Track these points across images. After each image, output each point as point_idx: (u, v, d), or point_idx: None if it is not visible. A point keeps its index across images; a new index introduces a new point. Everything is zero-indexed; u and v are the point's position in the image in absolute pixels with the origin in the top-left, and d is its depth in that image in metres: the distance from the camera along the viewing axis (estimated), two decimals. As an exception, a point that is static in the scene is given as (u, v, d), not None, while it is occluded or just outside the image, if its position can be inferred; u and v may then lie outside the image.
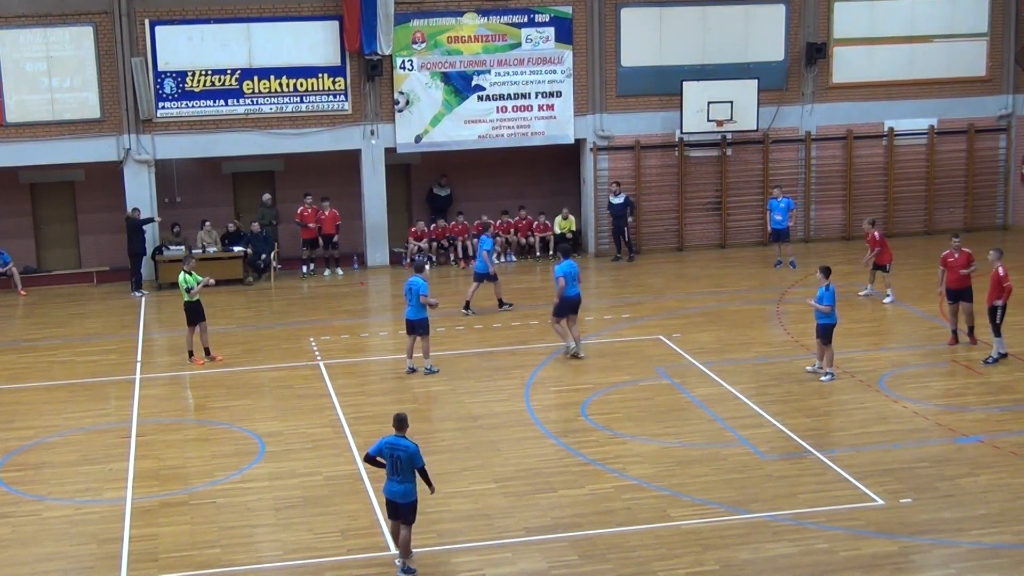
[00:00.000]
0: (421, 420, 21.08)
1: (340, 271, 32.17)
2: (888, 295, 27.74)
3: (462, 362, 24.16)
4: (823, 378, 22.32)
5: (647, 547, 15.89)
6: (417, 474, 15.34)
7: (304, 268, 32.05)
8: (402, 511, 15.33)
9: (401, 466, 15.20)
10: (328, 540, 16.35)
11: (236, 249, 31.16)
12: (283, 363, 24.36)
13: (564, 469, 18.61)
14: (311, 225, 31.85)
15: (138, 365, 24.46)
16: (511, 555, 15.76)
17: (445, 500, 17.43)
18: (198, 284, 24.15)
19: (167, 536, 16.53)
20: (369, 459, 15.55)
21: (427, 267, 24.19)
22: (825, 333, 22.46)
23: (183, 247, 30.86)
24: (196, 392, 23.07)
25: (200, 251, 30.94)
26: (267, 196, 32.35)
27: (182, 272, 24.30)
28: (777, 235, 31.69)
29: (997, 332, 23.15)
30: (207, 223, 31.41)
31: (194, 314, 24.31)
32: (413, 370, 23.41)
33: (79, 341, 26.35)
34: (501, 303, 28.00)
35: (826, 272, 22.51)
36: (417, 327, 23.26)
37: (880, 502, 17.11)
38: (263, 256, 31.32)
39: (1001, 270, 23.08)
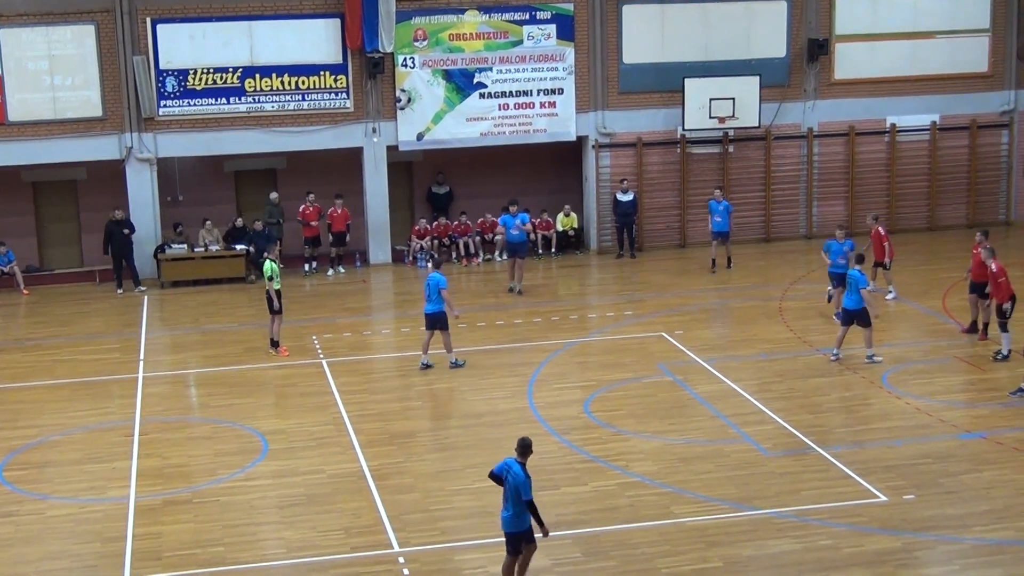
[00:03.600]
0: (424, 418, 21.12)
1: (342, 269, 32.17)
2: (890, 291, 27.74)
3: (465, 358, 24.16)
4: (876, 359, 22.98)
5: (651, 544, 15.92)
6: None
7: (306, 266, 32.04)
8: (518, 539, 14.49)
9: (510, 493, 14.40)
10: (331, 538, 16.37)
11: (238, 247, 31.15)
12: (286, 361, 24.36)
13: (567, 466, 18.63)
14: (313, 223, 31.85)
15: (141, 363, 24.48)
16: (515, 552, 15.78)
17: (448, 497, 17.46)
18: (276, 274, 24.51)
19: (171, 534, 16.56)
20: (492, 476, 14.76)
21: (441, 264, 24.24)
22: (861, 317, 23.14)
23: (184, 245, 30.88)
24: (200, 390, 23.11)
25: (202, 249, 30.94)
26: (274, 195, 32.34)
27: (268, 260, 24.73)
28: (718, 236, 31.39)
29: (1004, 328, 23.16)
30: (208, 221, 31.42)
31: (273, 303, 24.52)
32: (428, 366, 23.44)
33: (82, 340, 26.38)
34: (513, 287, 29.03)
35: (859, 259, 23.41)
36: (436, 321, 23.34)
37: (883, 498, 17.13)
38: (265, 254, 31.23)
39: (994, 267, 23.06)
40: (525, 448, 14.60)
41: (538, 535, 14.62)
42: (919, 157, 35.12)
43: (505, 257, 30.86)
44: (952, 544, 15.86)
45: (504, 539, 14.71)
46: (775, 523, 16.50)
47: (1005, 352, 23.09)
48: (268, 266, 24.61)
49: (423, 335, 23.77)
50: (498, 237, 32.55)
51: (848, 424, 20.25)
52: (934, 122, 34.86)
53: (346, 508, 17.28)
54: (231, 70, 31.27)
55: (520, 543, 14.56)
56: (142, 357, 24.94)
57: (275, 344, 24.76)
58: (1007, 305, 22.99)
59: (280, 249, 31.83)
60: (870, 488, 17.48)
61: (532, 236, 32.01)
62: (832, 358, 23.30)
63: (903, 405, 20.99)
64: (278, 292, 24.62)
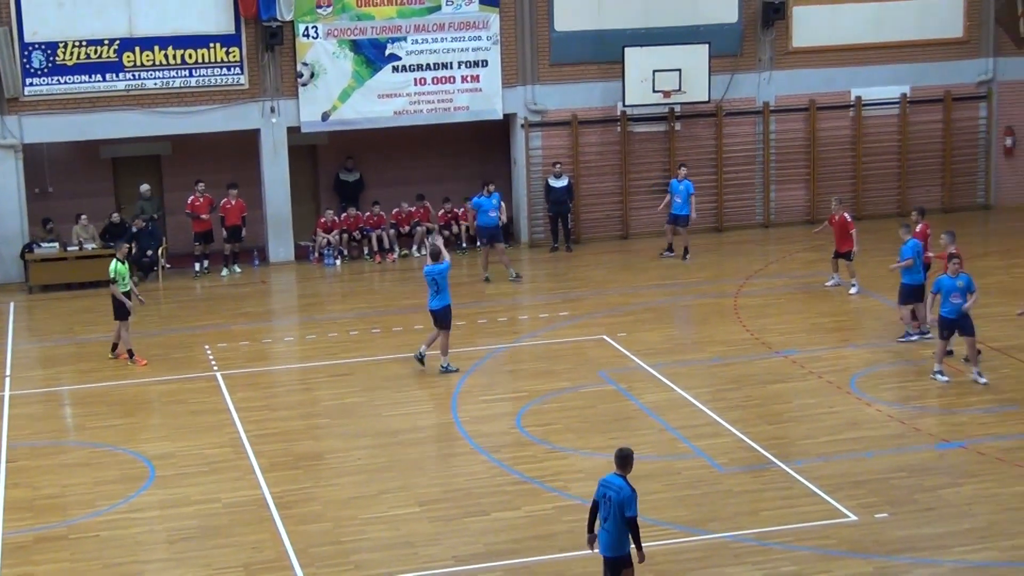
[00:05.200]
0: (333, 437, 21.04)
1: (238, 268, 31.99)
2: (853, 285, 28.00)
3: (379, 369, 24.12)
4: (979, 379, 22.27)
5: (593, 575, 15.94)
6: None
7: (197, 266, 31.83)
8: (619, 564, 14.37)
9: (611, 511, 14.24)
10: (229, 576, 16.31)
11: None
12: (174, 375, 24.18)
13: (497, 489, 18.62)
14: (203, 217, 31.64)
15: (7, 380, 24.21)
16: (439, 588, 15.79)
17: (362, 527, 17.41)
18: (126, 275, 24.84)
19: (44, 575, 16.41)
20: (595, 505, 14.48)
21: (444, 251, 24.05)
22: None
23: (55, 244, 30.56)
24: (75, 410, 22.88)
25: (76, 248, 30.64)
26: (145, 187, 32.07)
27: (115, 260, 24.89)
28: (675, 220, 31.76)
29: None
30: (83, 216, 31.10)
31: (122, 306, 24.69)
32: (420, 358, 23.66)
33: (-63, 354, 26.05)
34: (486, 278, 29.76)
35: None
36: (441, 318, 23.40)
37: (853, 518, 17.27)
38: (149, 253, 31.07)
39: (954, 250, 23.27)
40: (626, 459, 14.54)
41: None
42: (888, 134, 35.51)
43: (480, 244, 30.96)
44: (930, 567, 16.03)
45: (607, 567, 14.48)
46: (732, 548, 16.58)
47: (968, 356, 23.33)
48: (113, 266, 24.81)
49: (343, 340, 23.65)
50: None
51: (813, 435, 20.41)
52: (904, 94, 35.26)
53: (245, 541, 17.17)
54: (107, 43, 30.98)
55: (619, 568, 14.50)
56: (8, 373, 24.67)
57: (130, 353, 24.91)
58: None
59: (166, 247, 31.68)
60: (838, 507, 17.62)
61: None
62: (944, 379, 22.53)
63: (874, 412, 21.19)
64: (126, 295, 24.77)
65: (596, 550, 14.65)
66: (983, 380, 22.11)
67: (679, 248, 31.72)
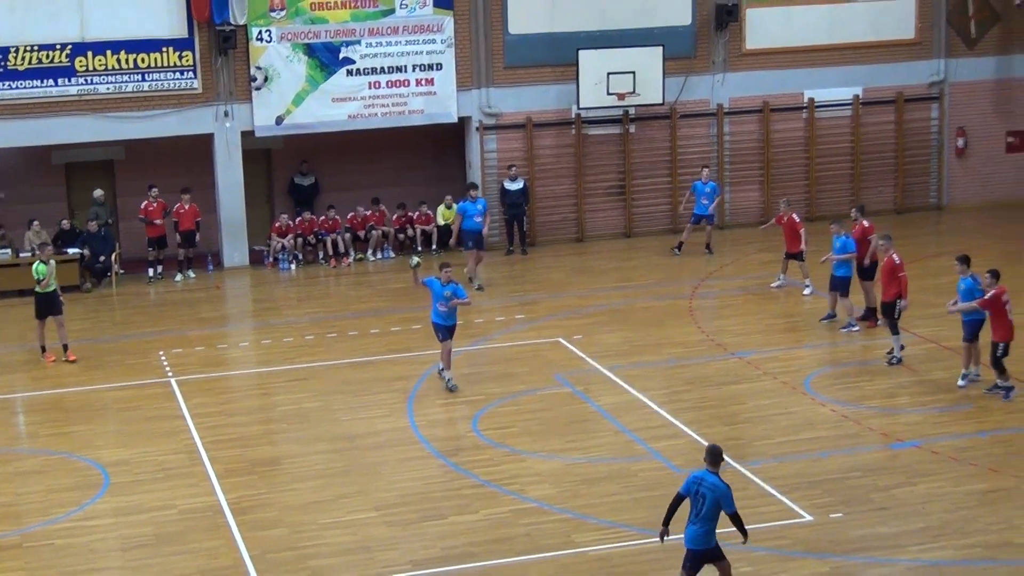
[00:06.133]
0: (289, 442, 21.00)
1: (192, 274, 31.86)
2: (807, 286, 28.13)
3: (336, 373, 24.08)
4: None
5: (549, 577, 16.00)
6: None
7: (151, 271, 31.69)
8: (703, 558, 14.69)
9: (703, 507, 14.48)
10: (185, 583, 16.25)
11: (71, 251, 30.71)
12: (129, 381, 24.08)
13: (454, 492, 18.63)
14: (157, 222, 31.50)
15: (-41, 388, 24.09)
16: (396, 592, 15.80)
17: (319, 532, 17.39)
18: (48, 276, 25.04)
19: (-3, 585, 16.33)
20: (679, 499, 14.78)
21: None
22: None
23: (8, 250, 30.36)
24: (28, 417, 22.76)
25: (29, 254, 30.43)
26: (99, 192, 31.89)
27: (37, 261, 25.37)
28: (698, 220, 32.21)
29: (895, 330, 23.56)
30: (35, 222, 30.88)
31: (44, 306, 25.10)
32: (441, 372, 23.17)
33: None
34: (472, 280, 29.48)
35: (965, 261, 22.20)
36: (450, 332, 22.88)
37: (808, 518, 17.37)
38: (102, 258, 30.92)
39: (896, 258, 23.37)
40: (717, 455, 14.73)
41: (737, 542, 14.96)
42: (841, 135, 35.70)
43: (465, 248, 29.94)
44: (885, 566, 16.13)
45: (692, 558, 14.66)
46: (689, 549, 16.65)
47: (897, 357, 23.47)
48: (36, 267, 25.20)
49: (299, 344, 23.60)
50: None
51: (768, 435, 20.51)
52: (857, 96, 35.45)
53: (201, 548, 17.12)
54: (59, 47, 30.80)
55: (703, 562, 14.72)
56: (-40, 380, 24.54)
57: (43, 349, 25.47)
58: (904, 302, 23.26)
59: (119, 252, 31.52)
60: (793, 507, 17.72)
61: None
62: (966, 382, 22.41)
63: (828, 413, 21.31)
64: (48, 295, 25.12)
65: (665, 540, 14.92)
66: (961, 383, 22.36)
67: (695, 244, 32.15)
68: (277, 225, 32.73)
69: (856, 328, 25.40)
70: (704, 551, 14.67)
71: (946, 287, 25.46)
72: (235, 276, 32.07)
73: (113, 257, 31.13)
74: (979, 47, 35.95)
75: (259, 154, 33.65)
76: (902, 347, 23.54)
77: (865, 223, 26.12)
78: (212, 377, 24.49)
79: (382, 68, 32.66)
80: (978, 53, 35.97)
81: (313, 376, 23.89)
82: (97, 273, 31.04)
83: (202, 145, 32.34)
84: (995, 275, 21.23)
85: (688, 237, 32.26)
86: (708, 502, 14.46)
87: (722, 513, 14.48)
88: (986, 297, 21.14)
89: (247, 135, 32.31)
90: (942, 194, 36.52)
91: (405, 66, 32.79)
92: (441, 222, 33.42)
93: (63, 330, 25.38)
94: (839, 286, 25.69)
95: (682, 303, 28.01)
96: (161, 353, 25.67)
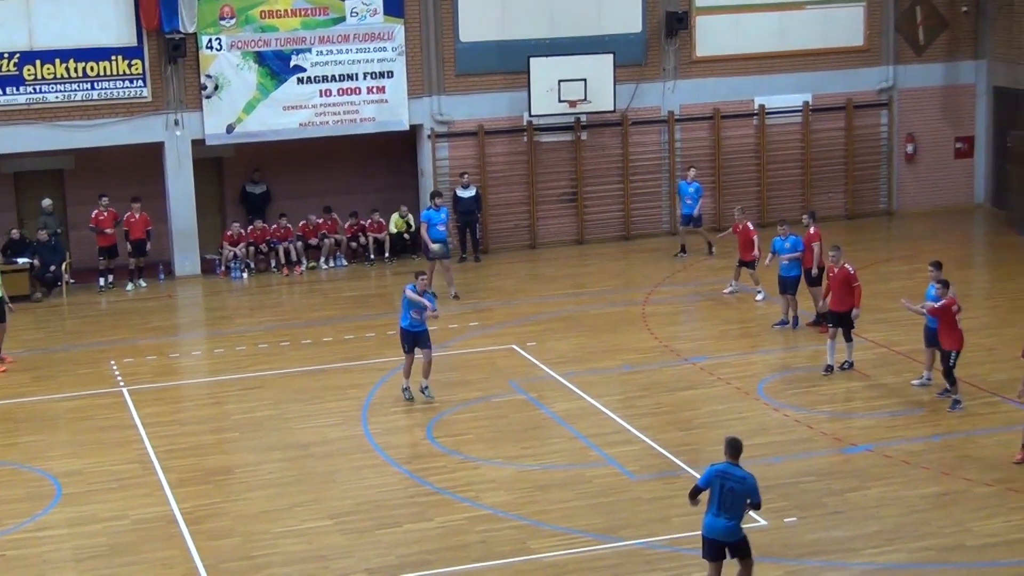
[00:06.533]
0: (243, 451, 20.92)
1: (143, 283, 31.69)
2: (759, 292, 28.26)
3: (289, 382, 24.01)
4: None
5: (505, 584, 16.00)
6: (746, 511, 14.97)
7: (101, 280, 31.51)
8: (732, 549, 14.86)
9: (733, 500, 14.69)
10: (139, 593, 16.17)
11: (21, 261, 30.50)
12: (80, 391, 23.94)
13: (409, 500, 18.62)
14: (108, 231, 31.33)
15: (-93, 399, 23.87)
16: (352, 601, 15.75)
17: (274, 541, 17.33)
18: None
19: (-52, 598, 16.19)
20: (696, 492, 15.04)
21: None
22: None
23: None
24: (-22, 428, 22.61)
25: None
26: (47, 201, 31.69)
27: None
28: (688, 221, 32.53)
29: (849, 337, 23.63)
30: (-16, 232, 30.75)
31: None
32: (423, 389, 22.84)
33: None
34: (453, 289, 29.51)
35: (938, 267, 22.18)
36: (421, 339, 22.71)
37: (762, 522, 17.42)
38: (52, 268, 30.73)
39: (850, 268, 23.42)
40: (738, 448, 14.99)
41: None
42: (791, 142, 35.87)
43: (428, 259, 29.58)
44: (839, 570, 16.22)
45: (715, 548, 14.79)
46: (644, 555, 16.68)
47: (848, 362, 23.58)
48: None
49: (252, 353, 23.51)
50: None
51: (722, 441, 20.48)
52: (806, 102, 35.64)
53: (155, 558, 17.04)
54: (6, 56, 30.59)
55: (725, 552, 14.81)
56: (-92, 392, 24.32)
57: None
58: (857, 311, 23.41)
59: (69, 262, 31.33)
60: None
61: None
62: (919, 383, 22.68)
63: (781, 418, 21.41)
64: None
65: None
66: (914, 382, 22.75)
67: (697, 247, 32.41)
68: (229, 234, 32.60)
69: (789, 326, 26.07)
70: (735, 543, 14.80)
71: (898, 292, 25.68)
72: (187, 285, 31.91)
73: (63, 267, 30.93)
74: (927, 54, 36.21)
75: (210, 162, 33.52)
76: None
77: (811, 230, 26.20)
78: (164, 386, 24.38)
79: (333, 76, 32.59)
80: (926, 60, 36.24)
81: (266, 385, 23.82)
82: (47, 283, 30.84)
83: (152, 154, 32.18)
84: (945, 284, 21.33)
85: (684, 239, 32.46)
86: (737, 496, 14.64)
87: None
88: (936, 306, 21.25)
89: (198, 143, 32.17)
90: (892, 199, 36.76)
91: (356, 74, 32.74)
92: (394, 230, 33.39)
93: (2, 337, 25.50)
94: (790, 286, 25.94)
95: (635, 309, 28.08)
96: (112, 363, 25.52)
